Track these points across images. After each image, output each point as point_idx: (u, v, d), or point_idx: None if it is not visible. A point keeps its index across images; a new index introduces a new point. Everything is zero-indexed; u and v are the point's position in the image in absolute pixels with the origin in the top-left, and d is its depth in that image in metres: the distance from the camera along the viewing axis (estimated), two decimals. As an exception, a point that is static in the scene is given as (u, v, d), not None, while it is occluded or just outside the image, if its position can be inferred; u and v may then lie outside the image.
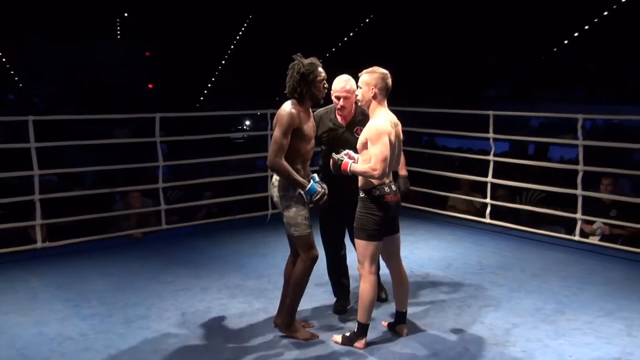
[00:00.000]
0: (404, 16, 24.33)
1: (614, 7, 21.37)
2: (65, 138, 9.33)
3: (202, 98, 26.93)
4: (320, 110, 4.56)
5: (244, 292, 5.00)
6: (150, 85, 27.55)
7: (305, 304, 4.66)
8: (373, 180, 3.82)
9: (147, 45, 28.01)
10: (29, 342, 4.11)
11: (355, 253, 4.68)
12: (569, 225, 6.69)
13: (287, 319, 4.13)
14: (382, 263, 4.17)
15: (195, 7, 25.97)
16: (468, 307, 4.67)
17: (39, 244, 5.97)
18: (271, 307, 4.55)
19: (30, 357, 3.91)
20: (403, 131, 4.02)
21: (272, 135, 4.00)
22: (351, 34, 27.79)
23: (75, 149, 11.60)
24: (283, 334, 4.14)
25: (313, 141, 4.09)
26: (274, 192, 4.01)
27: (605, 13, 21.74)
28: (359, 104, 4.00)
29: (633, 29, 19.55)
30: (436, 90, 19.73)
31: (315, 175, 4.10)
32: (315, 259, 4.04)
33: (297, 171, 3.93)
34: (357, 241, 3.93)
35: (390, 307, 4.51)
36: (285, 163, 3.86)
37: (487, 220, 6.98)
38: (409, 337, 4.13)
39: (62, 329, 4.31)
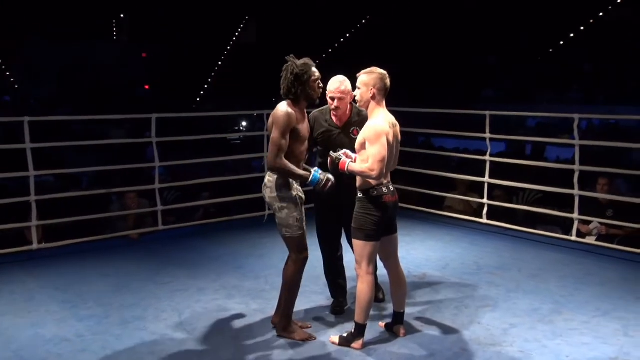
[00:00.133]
0: (403, 16, 24.36)
1: (610, 7, 21.43)
2: (62, 139, 9.31)
3: (198, 99, 26.91)
4: (315, 111, 4.56)
5: (241, 292, 4.99)
6: (146, 86, 27.53)
7: (303, 304, 4.67)
8: (371, 181, 3.82)
9: (144, 46, 27.98)
10: (25, 343, 4.10)
11: (352, 254, 4.70)
12: (565, 226, 6.70)
13: (283, 321, 4.12)
14: (380, 263, 4.17)
15: (193, 7, 25.97)
16: (465, 308, 4.67)
17: (35, 245, 5.95)
18: (268, 307, 4.55)
19: (26, 358, 3.90)
20: (400, 132, 4.02)
21: (268, 136, 3.99)
22: (350, 34, 27.80)
23: (72, 149, 11.58)
24: (280, 335, 4.13)
25: (307, 142, 4.10)
26: (266, 193, 4.01)
27: (601, 14, 21.80)
28: (358, 104, 4.00)
29: (630, 29, 19.60)
30: (436, 91, 19.73)
31: (315, 168, 4.09)
32: (305, 260, 4.05)
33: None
34: (354, 241, 3.93)
35: (388, 308, 4.52)
36: (285, 161, 3.87)
37: (484, 220, 6.99)
38: (406, 338, 4.13)
39: (58, 330, 4.30)
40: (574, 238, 6.31)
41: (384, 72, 3.91)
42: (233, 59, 27.95)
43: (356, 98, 3.95)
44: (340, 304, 4.61)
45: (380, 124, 3.79)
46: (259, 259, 5.91)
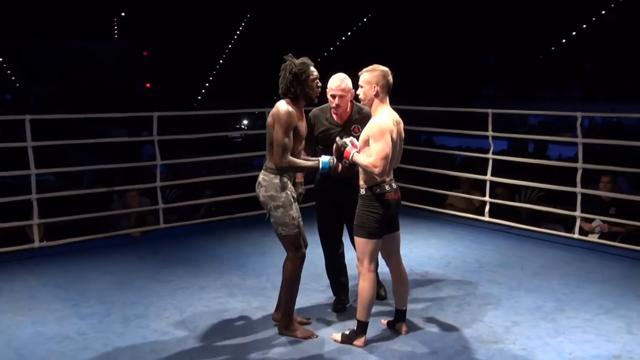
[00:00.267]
0: (404, 16, 24.35)
1: (612, 5, 21.40)
2: (63, 138, 9.30)
3: (199, 97, 26.92)
4: (315, 109, 4.55)
5: (243, 291, 4.98)
6: (147, 85, 27.53)
7: (304, 302, 4.67)
8: (374, 179, 3.80)
9: (145, 45, 27.98)
10: (27, 341, 4.09)
11: (354, 251, 4.69)
12: (568, 223, 6.69)
13: (285, 319, 4.12)
14: (382, 261, 4.16)
15: (193, 6, 25.96)
16: (467, 305, 4.65)
17: (37, 244, 5.95)
18: (270, 305, 4.54)
19: (27, 357, 3.89)
20: (403, 129, 4.00)
21: (267, 133, 3.98)
22: (350, 34, 27.79)
23: (73, 148, 11.60)
24: (282, 333, 4.12)
25: (304, 142, 4.09)
26: (260, 192, 3.99)
27: (603, 12, 21.78)
28: (362, 102, 3.98)
29: (631, 28, 19.58)
30: (436, 90, 19.73)
31: (323, 155, 4.06)
32: (303, 257, 4.05)
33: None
34: (356, 239, 3.92)
35: (390, 305, 4.50)
36: (292, 158, 3.88)
37: (486, 218, 6.98)
38: (408, 335, 4.12)
39: (60, 328, 4.29)
40: (576, 236, 6.30)
41: (386, 69, 3.90)
42: (233, 58, 27.95)
43: (359, 97, 3.93)
44: (342, 301, 4.61)
45: (385, 121, 3.77)
46: (261, 257, 5.91)
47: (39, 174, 6.18)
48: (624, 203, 6.18)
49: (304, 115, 4.07)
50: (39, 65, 25.03)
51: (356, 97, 4.49)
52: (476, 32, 22.38)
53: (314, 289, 4.97)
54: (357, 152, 3.84)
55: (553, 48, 22.26)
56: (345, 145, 3.85)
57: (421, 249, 6.16)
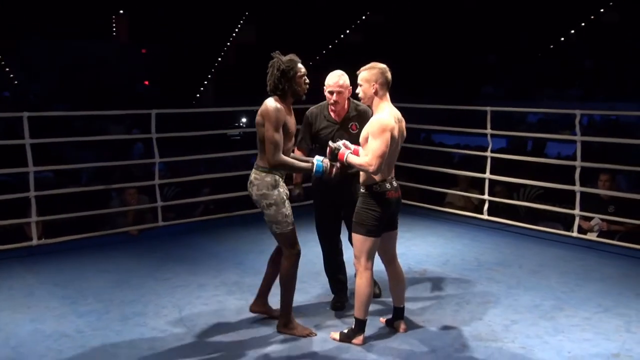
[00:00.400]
0: (404, 15, 24.33)
1: (611, 4, 21.39)
2: (61, 135, 9.29)
3: (198, 95, 26.88)
4: (313, 107, 4.56)
5: (241, 288, 4.97)
6: (146, 82, 27.50)
7: (303, 300, 4.66)
8: (374, 176, 3.79)
9: (144, 43, 27.94)
10: (25, 339, 4.08)
11: (352, 250, 4.68)
12: (566, 222, 6.69)
13: (283, 318, 4.11)
14: (377, 259, 4.15)
15: (193, 4, 25.92)
16: (466, 304, 4.65)
17: (35, 241, 5.94)
18: (269, 303, 4.53)
19: (25, 354, 3.88)
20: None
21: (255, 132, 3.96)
22: (350, 33, 27.76)
23: (72, 146, 11.58)
24: (281, 331, 4.11)
25: (294, 138, 4.08)
26: (253, 190, 3.99)
27: (602, 10, 21.77)
28: (362, 101, 3.97)
29: (630, 27, 19.58)
30: (436, 90, 19.74)
31: (317, 156, 4.06)
32: (298, 254, 4.04)
33: (278, 169, 3.93)
34: (354, 236, 3.91)
35: (388, 303, 4.50)
36: (285, 157, 3.87)
37: (485, 216, 6.97)
38: (407, 334, 4.11)
39: (58, 326, 4.28)
40: (575, 234, 6.29)
41: (384, 66, 3.89)
42: (233, 57, 27.92)
43: (359, 95, 3.92)
44: (340, 299, 4.60)
45: (386, 118, 3.76)
46: (259, 254, 5.89)
47: (38, 172, 6.17)
48: (623, 201, 6.18)
49: (292, 111, 4.06)
50: (38, 65, 24.97)
51: (354, 96, 4.50)
52: (476, 32, 22.37)
53: (313, 287, 4.97)
54: (351, 153, 3.82)
55: (552, 47, 22.26)
56: (338, 148, 3.83)
57: (420, 247, 6.15)
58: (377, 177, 3.80)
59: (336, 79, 4.29)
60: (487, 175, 6.94)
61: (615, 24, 20.54)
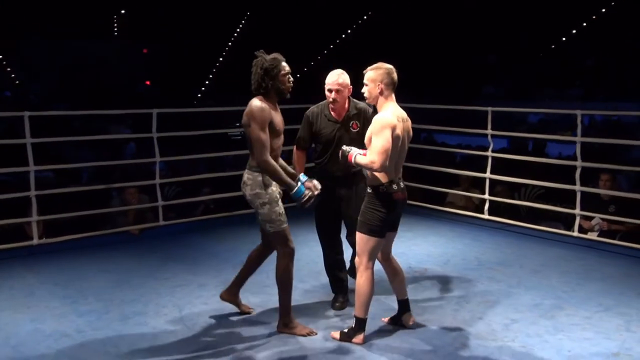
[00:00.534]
0: (404, 15, 24.32)
1: (613, 3, 21.38)
2: (62, 135, 9.30)
3: (199, 95, 26.89)
4: (313, 107, 4.58)
5: (242, 287, 4.95)
6: (147, 82, 27.51)
7: (303, 300, 4.67)
8: (380, 177, 3.79)
9: (145, 43, 27.94)
10: (25, 339, 4.08)
11: (352, 249, 4.69)
12: (567, 221, 6.69)
13: (283, 318, 4.11)
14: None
15: (193, 4, 25.92)
16: (467, 303, 4.65)
17: (35, 241, 5.94)
18: (269, 303, 4.54)
19: (26, 354, 3.88)
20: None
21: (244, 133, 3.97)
22: (351, 32, 27.75)
23: (72, 145, 11.57)
24: (281, 331, 4.11)
25: (282, 136, 4.09)
26: (246, 190, 4.01)
27: (604, 10, 21.76)
28: (367, 101, 3.97)
29: (631, 26, 19.56)
30: (436, 90, 19.72)
31: (302, 175, 4.08)
32: (292, 252, 4.05)
33: None
34: (358, 234, 3.90)
35: (388, 303, 4.50)
36: (274, 163, 3.88)
37: (486, 216, 6.97)
38: (407, 333, 4.11)
39: (58, 325, 4.28)
40: (575, 234, 6.29)
41: (391, 66, 3.90)
42: (233, 56, 27.91)
43: (364, 95, 3.92)
44: (341, 299, 4.60)
45: (387, 117, 3.76)
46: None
47: (39, 171, 6.17)
48: (624, 201, 6.18)
49: (278, 109, 4.07)
50: (39, 65, 24.99)
51: (354, 94, 4.52)
52: (476, 32, 22.36)
53: (313, 287, 4.97)
54: (360, 154, 3.83)
55: (553, 47, 22.25)
56: (348, 151, 3.84)
57: (420, 246, 6.15)
58: (384, 178, 3.80)
59: (335, 77, 4.31)
60: (488, 175, 6.94)
61: (616, 24, 20.52)
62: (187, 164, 8.43)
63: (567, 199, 6.61)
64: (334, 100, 4.33)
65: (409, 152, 4.04)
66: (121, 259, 5.80)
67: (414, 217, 7.16)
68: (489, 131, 6.90)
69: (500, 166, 7.15)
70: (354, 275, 4.84)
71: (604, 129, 16.20)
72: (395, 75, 3.87)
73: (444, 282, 5.11)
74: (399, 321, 4.20)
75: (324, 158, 4.50)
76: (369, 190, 3.89)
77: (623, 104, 15.71)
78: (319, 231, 4.64)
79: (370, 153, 3.72)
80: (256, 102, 3.89)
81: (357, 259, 3.92)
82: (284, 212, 4.01)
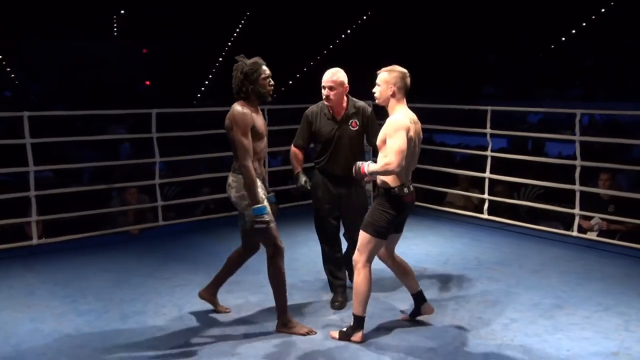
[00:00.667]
0: (404, 15, 24.32)
1: (612, 3, 21.38)
2: (62, 135, 9.31)
3: (199, 95, 26.90)
4: (313, 107, 4.61)
5: (241, 287, 4.97)
6: (147, 82, 27.51)
7: (302, 299, 4.68)
8: (393, 180, 3.79)
9: (145, 43, 27.94)
10: (25, 338, 4.09)
11: (349, 249, 4.70)
12: (567, 221, 6.69)
13: (281, 317, 4.12)
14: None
15: (193, 4, 25.92)
16: (466, 303, 4.65)
17: (35, 241, 5.94)
18: (267, 302, 4.54)
19: (25, 353, 3.89)
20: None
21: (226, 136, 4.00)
22: (351, 33, 27.75)
23: (72, 145, 11.57)
24: (280, 331, 4.12)
25: (266, 139, 4.11)
26: (231, 193, 4.03)
27: (603, 10, 21.76)
28: (377, 101, 3.96)
29: (631, 27, 19.56)
30: (437, 90, 19.72)
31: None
32: (282, 250, 4.06)
33: (254, 169, 3.96)
34: (362, 233, 3.90)
35: (387, 302, 4.51)
36: (253, 173, 3.89)
37: (485, 216, 6.97)
38: (407, 332, 4.12)
39: (58, 325, 4.28)
40: (575, 234, 6.29)
41: (405, 70, 3.91)
42: (233, 56, 27.91)
43: (375, 95, 3.93)
44: (340, 298, 4.61)
45: (401, 118, 3.78)
46: (258, 254, 5.81)
47: (38, 171, 6.17)
48: (623, 201, 6.18)
49: (260, 113, 4.10)
50: (39, 65, 24.99)
51: (353, 94, 4.54)
52: (476, 32, 22.36)
53: (312, 286, 4.98)
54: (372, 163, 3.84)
55: (553, 47, 22.25)
56: (359, 165, 3.85)
57: (420, 246, 6.15)
58: (395, 181, 3.81)
59: (330, 75, 4.37)
60: (487, 174, 6.94)
61: (616, 24, 20.53)
62: (187, 164, 8.43)
63: (566, 198, 6.61)
64: (327, 97, 4.38)
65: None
66: (121, 258, 5.81)
67: (413, 216, 7.08)
68: (488, 130, 6.90)
69: (499, 166, 7.15)
70: (352, 277, 4.86)
71: (604, 128, 16.19)
72: (408, 80, 3.89)
73: (443, 282, 5.11)
74: (419, 313, 4.21)
75: (324, 157, 4.51)
76: (379, 191, 3.89)
77: (623, 104, 15.71)
78: (318, 230, 4.65)
79: (386, 154, 3.72)
80: (238, 107, 3.93)
81: (355, 256, 3.93)
82: (270, 212, 4.03)
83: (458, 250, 6.03)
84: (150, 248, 6.17)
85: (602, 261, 5.70)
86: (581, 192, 6.26)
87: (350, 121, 4.45)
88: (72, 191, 6.68)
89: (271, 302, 4.38)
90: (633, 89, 17.93)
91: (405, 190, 3.85)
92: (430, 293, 4.86)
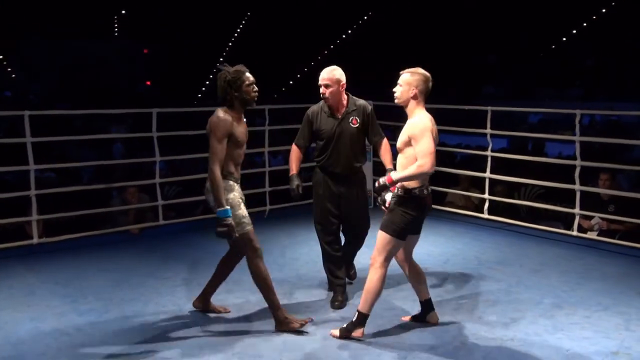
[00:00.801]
0: (404, 15, 24.34)
1: (613, 3, 21.38)
2: (63, 135, 9.31)
3: (199, 95, 26.91)
4: (314, 106, 4.66)
5: (241, 287, 4.97)
6: (147, 82, 27.52)
7: (302, 298, 4.68)
8: (414, 182, 3.80)
9: (146, 43, 27.96)
10: (25, 337, 4.09)
11: (347, 246, 4.71)
12: (567, 221, 6.69)
13: (276, 316, 4.14)
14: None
15: (194, 4, 25.93)
16: (466, 302, 4.65)
17: (35, 240, 5.93)
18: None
19: (25, 352, 3.89)
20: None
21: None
22: (351, 33, 27.76)
23: (73, 145, 11.58)
24: (280, 330, 4.12)
25: (245, 146, 4.15)
26: (209, 197, 4.04)
27: (604, 10, 21.77)
28: (396, 101, 3.95)
29: (631, 26, 19.57)
30: (437, 90, 19.73)
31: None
32: (259, 251, 4.08)
33: (231, 174, 4.02)
34: (381, 234, 3.90)
35: (389, 301, 4.51)
36: (220, 176, 3.91)
37: (486, 215, 6.97)
38: (407, 331, 4.12)
39: (58, 324, 4.28)
40: (575, 233, 6.29)
41: (428, 74, 3.91)
42: (234, 56, 27.93)
43: (395, 95, 3.92)
44: (340, 298, 4.60)
45: (425, 121, 3.80)
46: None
47: (40, 171, 6.17)
48: (623, 200, 6.19)
49: (242, 120, 4.13)
50: (39, 65, 25.00)
51: (354, 93, 4.56)
52: (476, 32, 22.38)
53: (312, 285, 4.98)
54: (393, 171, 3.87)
55: (553, 47, 22.26)
56: (383, 179, 3.83)
57: (420, 246, 6.04)
58: (416, 183, 3.82)
59: (326, 73, 4.43)
60: (488, 174, 6.94)
61: (616, 24, 20.53)
62: (188, 163, 8.43)
63: (566, 198, 6.61)
64: (323, 94, 4.43)
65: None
66: (121, 258, 5.81)
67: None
68: (489, 130, 6.90)
69: (500, 166, 7.15)
70: (350, 276, 4.88)
71: (604, 128, 16.21)
72: (430, 84, 3.90)
73: (444, 281, 5.11)
74: (424, 320, 4.22)
75: (325, 155, 4.54)
76: (399, 193, 3.88)
77: (623, 104, 15.72)
78: (318, 228, 4.65)
79: (418, 159, 3.71)
80: (219, 114, 3.97)
81: (374, 255, 3.92)
82: (247, 215, 4.06)
83: (458, 250, 6.03)
84: (151, 247, 6.17)
85: (602, 261, 5.70)
86: (581, 192, 6.26)
87: (351, 118, 4.49)
88: (72, 190, 6.68)
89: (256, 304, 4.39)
90: (633, 89, 17.94)
91: (425, 191, 3.88)
92: (431, 293, 4.83)
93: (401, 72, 3.93)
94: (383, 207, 3.93)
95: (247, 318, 4.39)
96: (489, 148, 7.02)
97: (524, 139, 12.27)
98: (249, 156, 9.62)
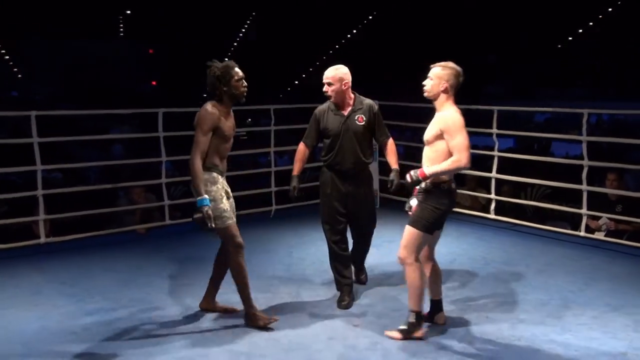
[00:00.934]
0: (404, 16, 24.32)
1: (618, 2, 21.32)
2: (67, 135, 9.34)
3: (204, 95, 26.95)
4: (322, 105, 4.69)
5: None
6: (153, 83, 27.57)
7: (309, 298, 4.68)
8: (443, 177, 3.81)
9: (151, 43, 28.00)
10: (32, 337, 4.10)
11: (355, 247, 4.71)
12: (574, 221, 6.66)
13: (246, 312, 4.20)
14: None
15: (199, 4, 25.96)
16: (473, 302, 4.64)
17: (43, 239, 5.95)
18: (274, 301, 4.56)
19: (32, 351, 3.90)
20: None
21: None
22: (351, 33, 27.76)
23: (77, 145, 11.60)
24: (250, 326, 4.16)
25: (232, 140, 4.19)
26: (194, 190, 4.05)
27: (607, 11, 21.70)
28: (426, 94, 3.93)
29: (633, 27, 19.52)
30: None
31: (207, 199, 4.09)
32: (240, 245, 4.12)
33: (216, 166, 4.07)
34: (410, 230, 3.89)
35: (395, 300, 4.50)
36: (200, 167, 3.95)
37: (492, 216, 6.95)
38: (413, 332, 4.11)
39: (64, 324, 4.29)
40: (582, 233, 6.26)
41: (459, 68, 3.90)
42: (238, 57, 27.96)
43: (425, 88, 3.91)
44: (347, 298, 4.59)
45: (459, 116, 3.80)
46: (265, 254, 5.90)
47: (47, 172, 6.18)
48: (631, 201, 6.15)
49: (231, 115, 4.18)
50: (40, 66, 25.05)
51: (359, 91, 4.58)
52: (476, 32, 22.36)
53: (319, 285, 4.98)
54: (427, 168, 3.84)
55: (554, 47, 22.21)
56: (416, 172, 3.83)
57: (426, 246, 6.12)
58: (446, 177, 3.83)
59: (329, 72, 4.49)
60: (494, 174, 6.92)
61: (618, 24, 20.48)
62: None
63: (573, 198, 6.58)
64: (326, 92, 4.48)
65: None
66: (128, 258, 5.82)
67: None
68: (495, 130, 6.88)
69: (506, 166, 7.12)
70: (357, 280, 4.87)
71: (611, 128, 16.15)
72: (461, 79, 3.88)
73: (450, 281, 5.09)
74: (431, 320, 4.21)
75: (332, 153, 4.55)
76: (429, 186, 3.87)
77: (623, 104, 15.66)
78: (326, 228, 4.64)
79: (454, 154, 3.72)
80: (207, 107, 4.04)
81: (402, 254, 3.91)
82: (229, 209, 4.11)
83: (465, 250, 6.02)
84: (157, 247, 6.18)
85: (609, 261, 5.68)
86: (588, 192, 6.23)
87: (357, 116, 4.53)
88: (79, 190, 6.69)
89: (278, 301, 4.41)
90: (633, 89, 17.90)
91: (453, 185, 3.91)
92: (437, 293, 4.86)
93: (432, 66, 3.91)
94: (409, 213, 3.92)
95: (253, 318, 4.38)
96: (496, 148, 7.00)
97: (531, 139, 12.22)
98: (253, 156, 9.67)
